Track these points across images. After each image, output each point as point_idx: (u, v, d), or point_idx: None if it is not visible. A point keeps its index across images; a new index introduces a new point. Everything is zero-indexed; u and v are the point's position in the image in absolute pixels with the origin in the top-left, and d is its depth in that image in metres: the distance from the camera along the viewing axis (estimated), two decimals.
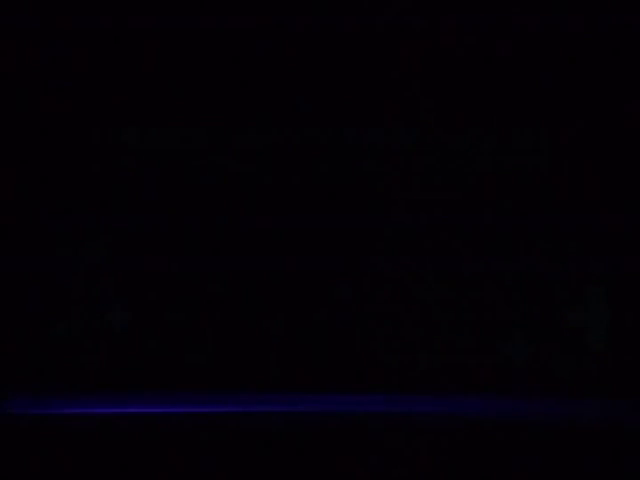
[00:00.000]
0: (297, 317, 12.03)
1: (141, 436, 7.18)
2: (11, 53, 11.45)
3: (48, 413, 8.93)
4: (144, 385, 11.67)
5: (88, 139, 12.08)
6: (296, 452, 6.88)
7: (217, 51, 11.98)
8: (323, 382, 11.83)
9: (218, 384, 11.73)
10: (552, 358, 11.82)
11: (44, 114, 11.84)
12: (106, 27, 11.70)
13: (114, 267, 12.03)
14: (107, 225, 12.04)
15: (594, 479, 6.54)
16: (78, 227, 12.02)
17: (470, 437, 7.24)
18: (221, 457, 6.86)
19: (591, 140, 11.86)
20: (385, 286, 12.02)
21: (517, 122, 12.07)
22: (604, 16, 11.56)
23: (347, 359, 11.99)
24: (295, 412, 9.02)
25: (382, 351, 11.95)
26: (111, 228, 12.05)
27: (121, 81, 11.94)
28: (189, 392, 11.35)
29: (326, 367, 12.02)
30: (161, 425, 8.02)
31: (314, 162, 12.18)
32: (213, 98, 12.15)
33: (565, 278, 11.88)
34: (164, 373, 11.99)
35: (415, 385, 11.64)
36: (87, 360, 11.95)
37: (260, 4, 11.75)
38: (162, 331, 12.03)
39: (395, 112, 12.02)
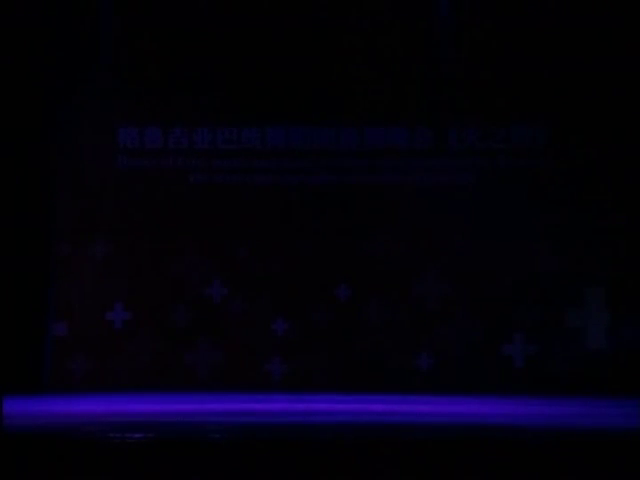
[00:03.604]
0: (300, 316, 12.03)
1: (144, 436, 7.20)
2: None
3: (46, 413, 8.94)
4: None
5: None
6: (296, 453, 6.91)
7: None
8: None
9: (222, 384, 11.73)
10: (552, 358, 11.81)
11: None
12: None
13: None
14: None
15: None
16: None
17: (471, 442, 7.24)
18: (221, 456, 6.85)
19: (592, 141, 11.85)
20: (385, 284, 12.02)
21: (516, 121, 12.08)
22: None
23: (346, 359, 11.98)
24: (295, 412, 9.05)
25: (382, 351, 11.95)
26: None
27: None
28: (192, 391, 11.37)
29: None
30: (165, 425, 8.05)
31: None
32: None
33: (565, 278, 11.88)
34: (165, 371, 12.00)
35: (415, 385, 11.63)
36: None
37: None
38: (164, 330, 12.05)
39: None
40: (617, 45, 11.54)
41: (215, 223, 12.03)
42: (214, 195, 12.05)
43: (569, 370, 11.66)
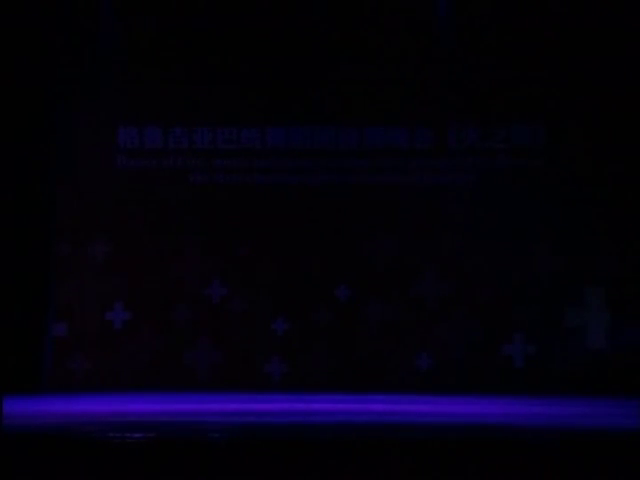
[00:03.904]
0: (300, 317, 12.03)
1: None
2: None
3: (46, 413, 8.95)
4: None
5: None
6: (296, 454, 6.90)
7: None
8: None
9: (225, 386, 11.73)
10: (552, 358, 11.81)
11: None
12: None
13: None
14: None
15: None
16: None
17: (471, 442, 7.23)
18: (221, 456, 6.85)
19: (592, 140, 11.85)
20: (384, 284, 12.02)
21: (516, 121, 12.07)
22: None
23: (346, 359, 11.98)
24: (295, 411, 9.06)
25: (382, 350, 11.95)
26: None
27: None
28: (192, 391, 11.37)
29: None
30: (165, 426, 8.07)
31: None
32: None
33: (565, 278, 11.87)
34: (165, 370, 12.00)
35: (415, 385, 11.63)
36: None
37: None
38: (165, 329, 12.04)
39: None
40: (617, 44, 11.54)
41: (215, 223, 12.02)
42: (214, 195, 12.05)
43: (569, 370, 11.65)
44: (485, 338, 11.84)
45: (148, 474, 6.61)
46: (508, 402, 10.33)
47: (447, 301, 11.93)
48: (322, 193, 12.01)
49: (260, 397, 10.72)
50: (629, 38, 11.47)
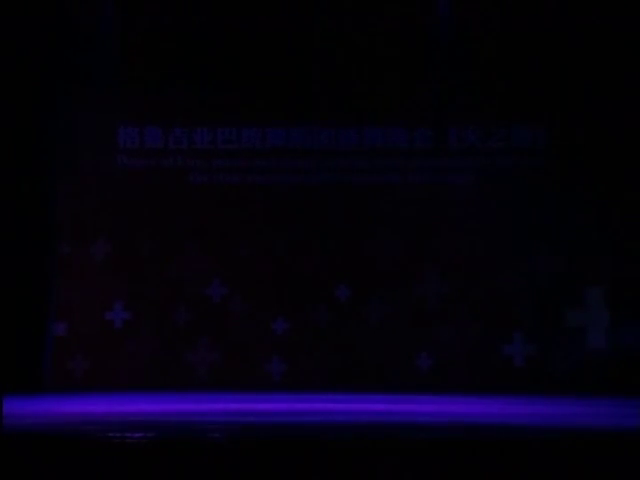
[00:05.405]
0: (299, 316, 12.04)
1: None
2: None
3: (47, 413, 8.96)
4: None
5: None
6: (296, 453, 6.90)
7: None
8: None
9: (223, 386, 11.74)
10: (552, 358, 11.81)
11: None
12: None
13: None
14: None
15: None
16: None
17: (471, 442, 7.22)
18: (221, 456, 6.86)
19: (592, 140, 11.85)
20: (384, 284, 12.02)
21: (516, 121, 12.08)
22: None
23: (346, 359, 11.98)
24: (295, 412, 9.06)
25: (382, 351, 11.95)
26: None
27: None
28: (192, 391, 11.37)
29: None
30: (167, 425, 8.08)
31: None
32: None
33: (565, 278, 11.88)
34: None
35: (415, 385, 11.63)
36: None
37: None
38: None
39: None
40: (617, 45, 11.55)
41: (215, 223, 12.03)
42: (214, 195, 12.05)
43: (569, 370, 11.66)
44: (485, 338, 11.85)
45: (148, 474, 6.61)
46: (508, 402, 10.32)
47: (447, 301, 11.93)
48: (322, 193, 12.01)
49: (260, 397, 10.71)
50: (630, 38, 11.48)
